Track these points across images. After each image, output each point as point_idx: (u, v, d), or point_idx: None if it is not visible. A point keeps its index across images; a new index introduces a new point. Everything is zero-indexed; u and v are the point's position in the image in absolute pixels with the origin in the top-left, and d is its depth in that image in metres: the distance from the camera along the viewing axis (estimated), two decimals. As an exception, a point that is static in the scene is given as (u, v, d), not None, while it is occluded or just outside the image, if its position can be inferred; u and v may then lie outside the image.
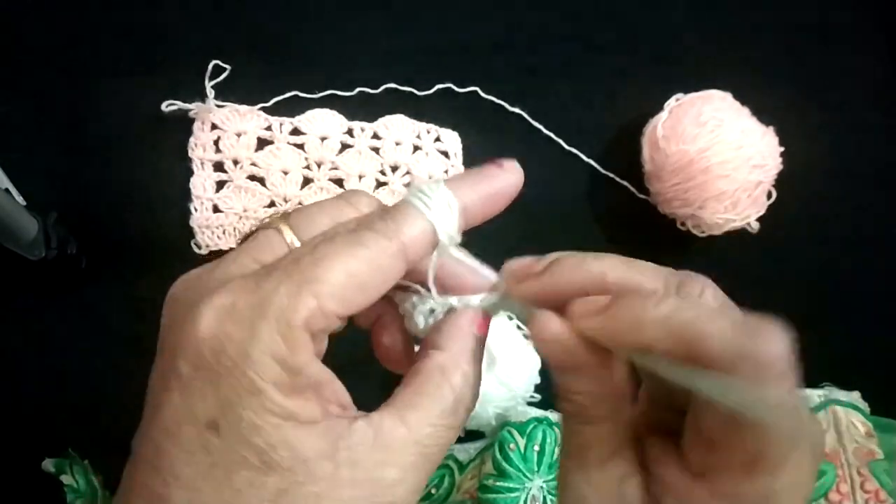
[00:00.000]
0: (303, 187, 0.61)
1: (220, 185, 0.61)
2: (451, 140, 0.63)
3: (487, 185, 0.26)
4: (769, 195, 0.59)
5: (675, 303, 0.23)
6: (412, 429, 0.23)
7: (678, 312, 0.22)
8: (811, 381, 0.55)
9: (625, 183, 0.63)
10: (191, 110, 0.60)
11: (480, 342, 0.27)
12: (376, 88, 0.63)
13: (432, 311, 0.28)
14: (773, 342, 0.21)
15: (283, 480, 0.22)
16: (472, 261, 0.28)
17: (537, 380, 0.56)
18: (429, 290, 0.27)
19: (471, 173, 0.26)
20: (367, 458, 0.23)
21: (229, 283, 0.23)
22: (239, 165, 0.61)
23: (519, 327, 0.57)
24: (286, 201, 0.61)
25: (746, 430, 0.21)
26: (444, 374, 0.25)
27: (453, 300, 0.28)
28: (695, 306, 0.23)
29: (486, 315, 0.28)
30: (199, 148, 0.61)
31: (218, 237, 0.60)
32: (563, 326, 0.24)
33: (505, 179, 0.26)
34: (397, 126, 0.63)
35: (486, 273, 0.28)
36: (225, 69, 0.62)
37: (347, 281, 0.22)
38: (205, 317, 0.22)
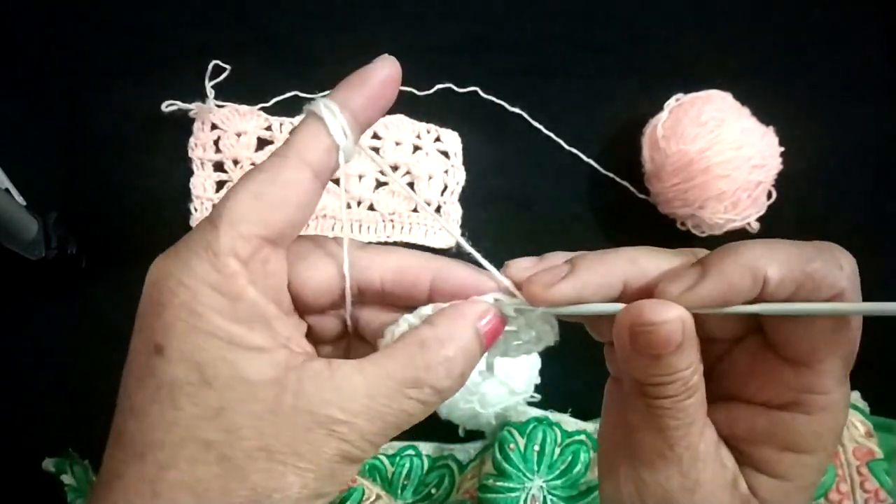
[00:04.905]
0: (303, 187, 0.61)
1: (220, 185, 0.61)
2: (451, 140, 0.63)
3: (366, 84, 0.26)
4: (769, 195, 0.59)
5: (756, 244, 0.24)
6: (368, 380, 0.24)
7: (773, 249, 0.23)
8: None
9: (625, 183, 0.63)
10: (191, 110, 0.60)
11: (479, 338, 0.26)
12: (376, 88, 0.63)
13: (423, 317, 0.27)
14: (847, 261, 0.24)
15: (222, 398, 0.23)
16: (483, 262, 0.27)
17: (537, 380, 0.56)
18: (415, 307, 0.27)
19: (349, 77, 0.27)
20: (315, 393, 0.23)
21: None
22: (239, 165, 0.61)
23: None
24: (286, 201, 0.61)
25: (846, 333, 0.24)
26: (422, 347, 0.25)
27: (445, 307, 0.26)
28: (775, 242, 0.24)
29: (502, 317, 0.26)
30: (199, 148, 0.61)
31: (218, 237, 0.60)
32: (678, 307, 0.24)
33: (379, 72, 0.26)
34: (397, 126, 0.63)
35: (497, 276, 0.27)
36: (225, 69, 0.62)
37: (256, 203, 0.24)
38: (155, 262, 0.24)
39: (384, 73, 0.26)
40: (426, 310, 0.27)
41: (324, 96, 0.26)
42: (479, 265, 0.27)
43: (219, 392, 0.23)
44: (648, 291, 0.25)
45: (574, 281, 0.25)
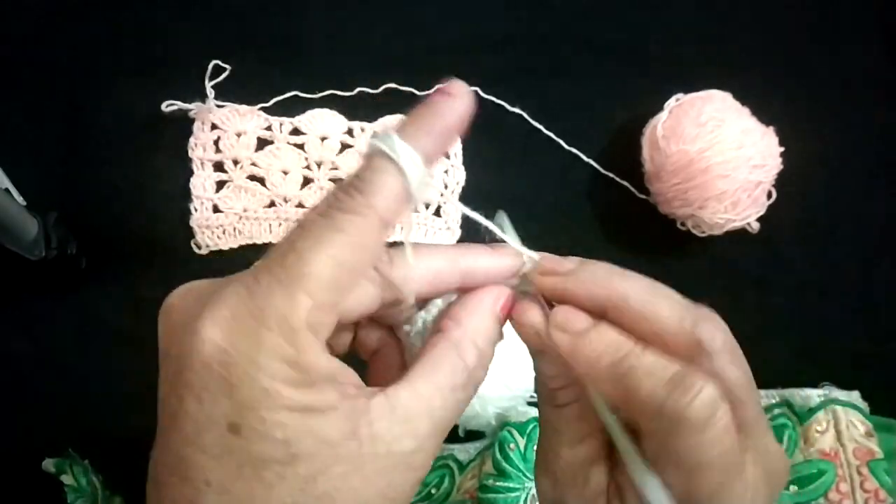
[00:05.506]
0: (303, 187, 0.61)
1: (220, 185, 0.61)
2: (451, 140, 0.63)
3: (442, 124, 0.25)
4: (769, 195, 0.59)
5: (628, 350, 0.25)
6: (425, 401, 0.24)
7: (626, 360, 0.24)
8: (811, 381, 0.55)
9: (625, 183, 0.63)
10: (191, 110, 0.60)
11: (499, 322, 0.27)
12: (376, 88, 0.63)
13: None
14: (700, 408, 0.23)
15: (311, 467, 0.22)
16: (510, 238, 0.29)
17: (537, 380, 0.56)
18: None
19: (421, 113, 0.25)
20: (387, 432, 0.23)
21: (223, 292, 0.23)
22: (239, 165, 0.61)
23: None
24: (286, 201, 0.61)
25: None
26: (458, 349, 0.26)
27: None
28: (641, 356, 0.24)
29: (515, 296, 0.28)
30: (199, 148, 0.61)
31: (218, 237, 0.60)
32: (542, 321, 0.26)
33: (456, 109, 0.25)
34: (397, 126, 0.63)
35: (521, 249, 0.28)
36: (225, 69, 0.62)
37: (337, 271, 0.23)
38: (207, 330, 0.22)
39: (460, 110, 0.25)
40: (454, 297, 0.28)
41: (392, 135, 0.24)
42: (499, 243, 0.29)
43: (306, 462, 0.22)
44: (621, 323, 0.26)
45: (564, 284, 0.27)
